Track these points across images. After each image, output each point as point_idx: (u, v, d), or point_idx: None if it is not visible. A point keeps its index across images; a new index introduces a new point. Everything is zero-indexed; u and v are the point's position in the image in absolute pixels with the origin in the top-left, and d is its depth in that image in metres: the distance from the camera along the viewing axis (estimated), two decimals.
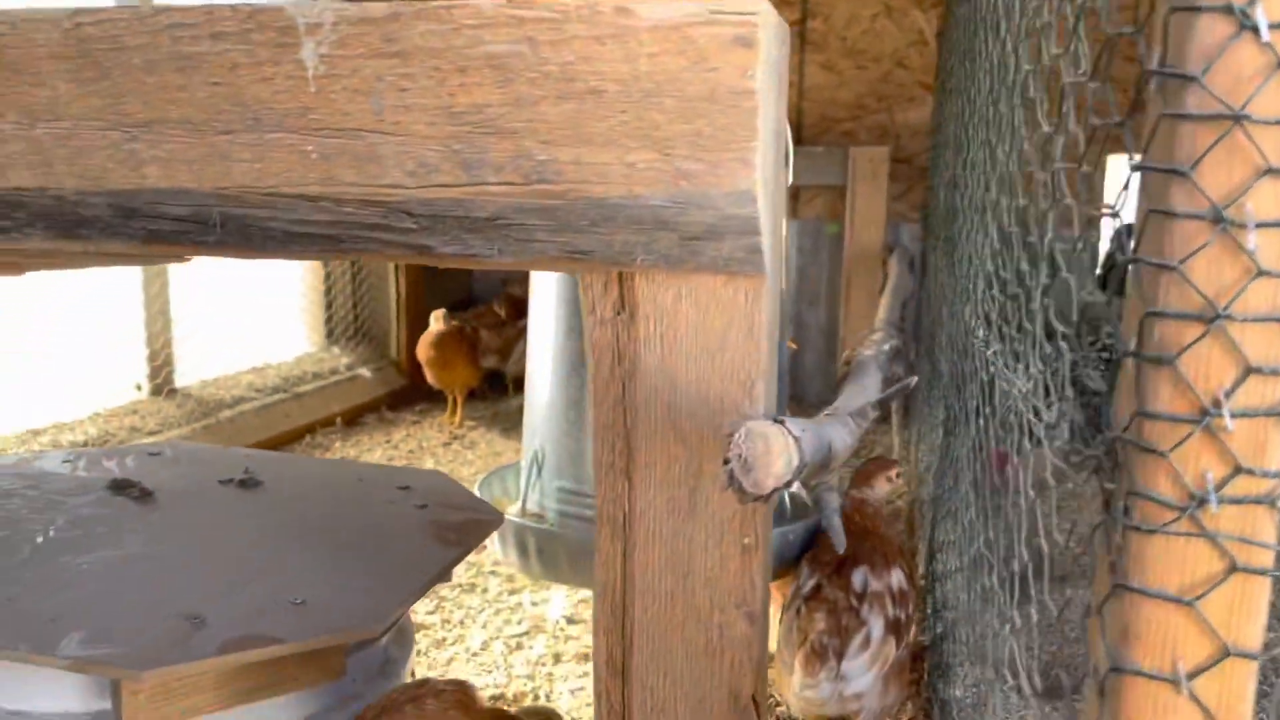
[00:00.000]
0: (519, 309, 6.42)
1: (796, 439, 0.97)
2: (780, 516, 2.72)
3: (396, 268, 6.28)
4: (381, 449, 5.16)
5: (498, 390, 6.12)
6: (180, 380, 4.82)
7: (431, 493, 1.98)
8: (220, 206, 1.11)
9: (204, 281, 4.87)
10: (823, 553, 2.51)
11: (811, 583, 2.39)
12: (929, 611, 2.70)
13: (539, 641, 3.09)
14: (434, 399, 5.91)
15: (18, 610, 1.39)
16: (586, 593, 3.38)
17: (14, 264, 1.28)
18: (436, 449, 5.16)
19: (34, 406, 3.94)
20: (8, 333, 3.69)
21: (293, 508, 1.86)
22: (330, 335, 6.14)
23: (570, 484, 2.59)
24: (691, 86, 0.96)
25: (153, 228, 1.16)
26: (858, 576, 2.29)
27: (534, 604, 3.39)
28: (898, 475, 2.42)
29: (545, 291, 2.63)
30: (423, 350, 5.26)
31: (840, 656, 2.25)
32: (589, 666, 2.97)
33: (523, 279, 7.16)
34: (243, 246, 1.16)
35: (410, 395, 6.12)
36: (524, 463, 2.80)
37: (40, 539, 1.64)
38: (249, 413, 4.80)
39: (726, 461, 0.98)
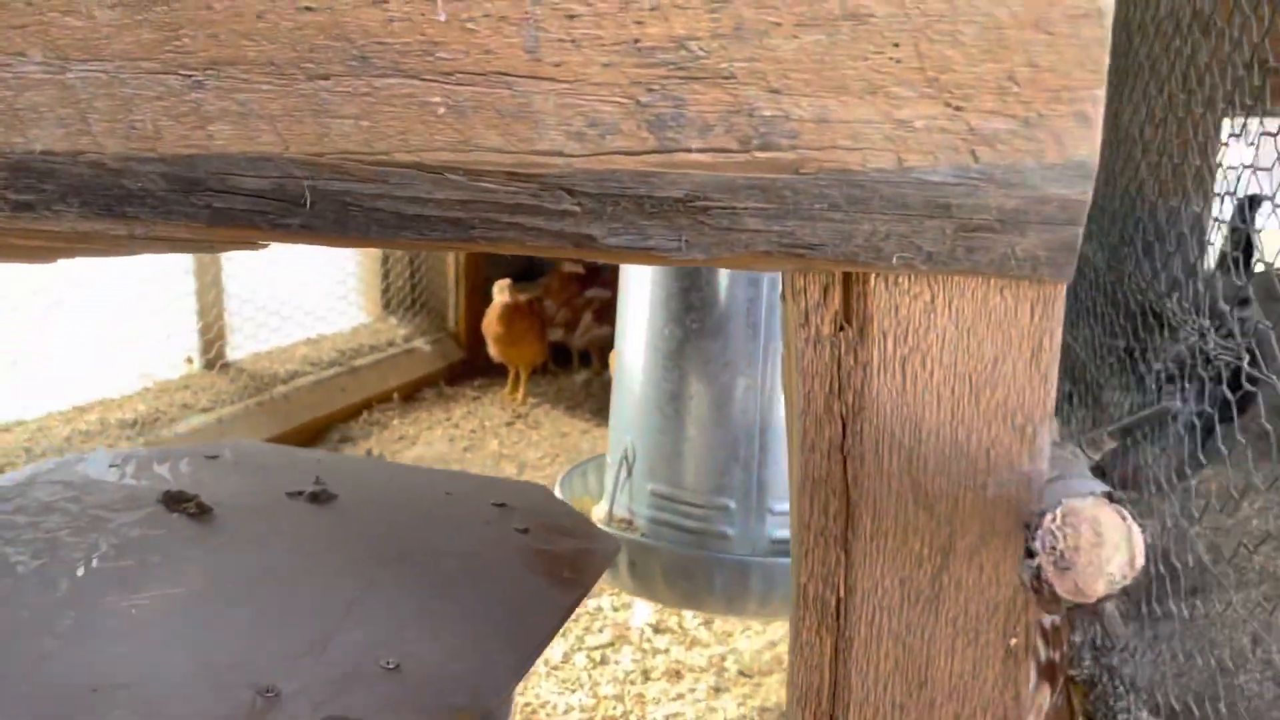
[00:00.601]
0: (584, 279, 6.14)
1: (1140, 526, 0.66)
2: None
3: None
4: (442, 427, 4.91)
5: (559, 363, 5.86)
6: (233, 354, 4.59)
7: (533, 513, 1.69)
8: (312, 179, 0.82)
9: (255, 251, 4.64)
10: None
11: None
12: (1076, 644, 2.39)
13: (624, 654, 2.83)
14: (493, 373, 5.65)
15: (50, 674, 1.13)
16: None
17: (43, 249, 1.01)
18: (499, 429, 4.90)
19: (80, 382, 3.72)
20: (52, 305, 3.46)
21: (373, 530, 1.58)
22: (386, 306, 5.90)
23: (665, 488, 2.30)
24: (1002, 6, 0.65)
25: (220, 205, 0.87)
26: None
27: (615, 609, 3.11)
28: None
29: (639, 271, 2.34)
30: (490, 325, 4.99)
31: None
32: (681, 686, 2.70)
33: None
34: (337, 232, 0.87)
35: (469, 369, 5.86)
36: (610, 459, 2.52)
37: (81, 570, 1.38)
38: (304, 388, 4.57)
39: (1031, 555, 0.68)
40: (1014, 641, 0.84)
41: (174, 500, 1.61)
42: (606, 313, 5.81)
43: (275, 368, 4.65)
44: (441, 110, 0.77)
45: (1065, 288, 0.77)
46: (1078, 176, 0.68)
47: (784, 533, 2.22)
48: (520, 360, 5.19)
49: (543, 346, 5.32)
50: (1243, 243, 2.28)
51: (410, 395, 5.28)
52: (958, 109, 0.68)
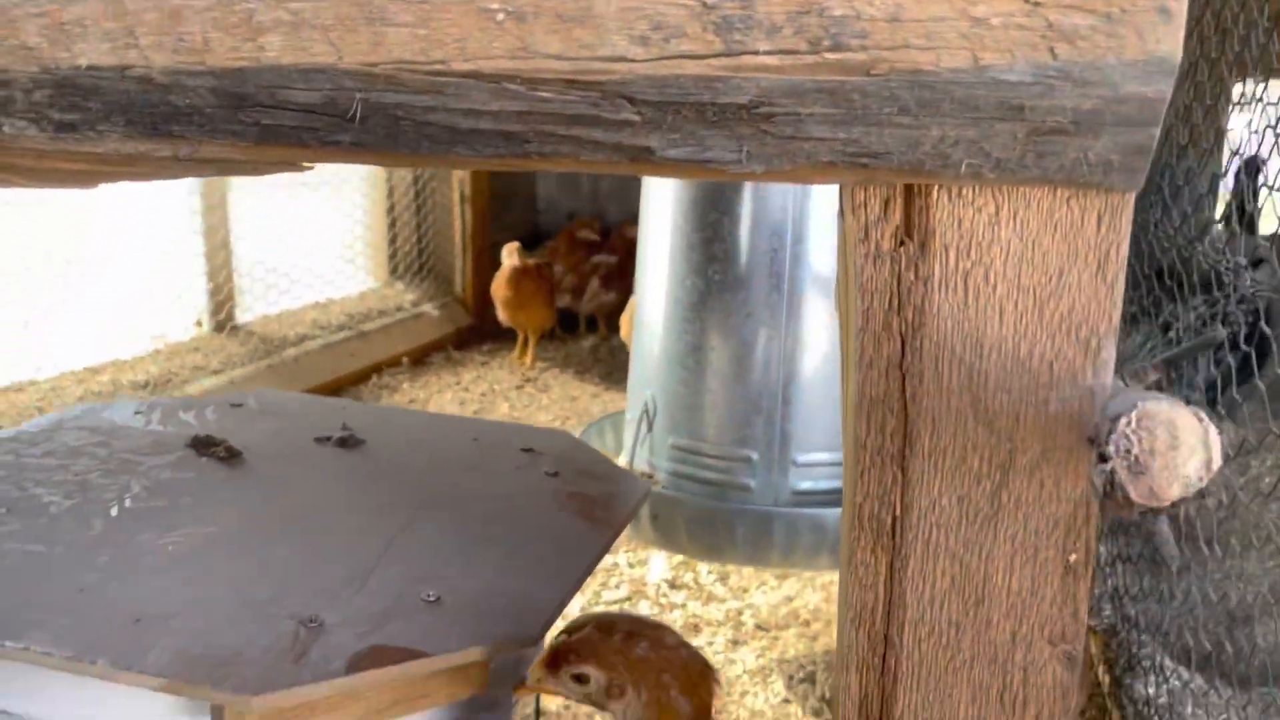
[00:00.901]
0: (591, 244, 6.11)
1: (1216, 428, 0.66)
2: None
3: (462, 199, 5.99)
4: (452, 391, 4.90)
5: (566, 329, 5.84)
6: (242, 316, 4.58)
7: (561, 458, 1.69)
8: (365, 91, 0.81)
9: (264, 212, 4.61)
10: None
11: None
12: (1096, 594, 2.39)
13: (641, 609, 2.83)
14: (501, 338, 5.64)
15: (92, 605, 1.13)
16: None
17: (84, 173, 0.99)
18: (509, 392, 4.89)
19: (91, 343, 3.71)
20: (63, 268, 3.44)
21: (405, 474, 1.58)
22: (394, 270, 5.88)
23: (686, 441, 2.30)
24: None
25: (268, 122, 0.86)
26: None
27: (631, 565, 3.12)
28: None
29: (660, 222, 2.32)
30: (499, 288, 4.97)
31: None
32: (699, 639, 2.71)
33: (590, 217, 6.86)
34: (387, 148, 0.86)
35: (477, 334, 5.85)
36: (629, 415, 2.52)
37: (115, 510, 1.37)
38: (314, 351, 4.56)
39: (1104, 459, 0.67)
40: (1074, 557, 0.83)
41: (203, 444, 1.60)
42: (613, 279, 5.80)
43: (284, 331, 4.64)
44: (500, 16, 0.76)
45: (1133, 197, 0.76)
46: (1158, 73, 0.67)
47: (807, 484, 2.22)
48: (529, 324, 5.18)
49: (551, 311, 5.30)
50: (1242, 204, 2.26)
51: (419, 360, 5.27)
52: (1036, 4, 0.66)
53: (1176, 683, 1.95)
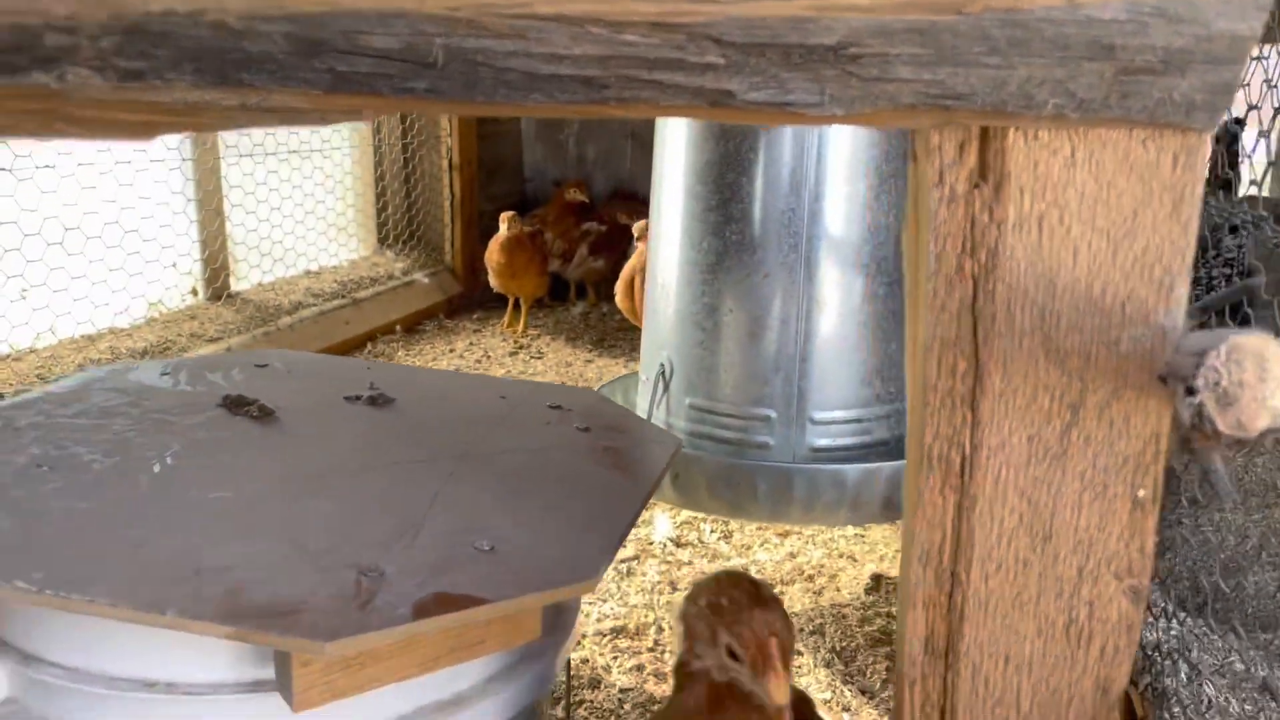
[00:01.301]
0: (580, 210, 6.10)
1: None
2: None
3: (451, 167, 5.95)
4: (446, 359, 4.90)
5: (556, 296, 5.85)
6: (236, 285, 4.56)
7: (590, 414, 1.70)
8: (445, 36, 0.81)
9: (256, 181, 4.58)
10: None
11: None
12: None
13: (650, 567, 2.86)
14: (491, 306, 5.64)
15: (150, 559, 1.13)
16: (688, 514, 3.15)
17: (144, 124, 0.99)
18: (504, 358, 4.89)
19: (88, 312, 3.68)
20: (59, 235, 3.41)
21: (439, 430, 1.58)
22: (382, 239, 5.85)
23: (703, 401, 2.31)
24: None
25: (342, 69, 0.86)
26: None
27: (636, 525, 3.14)
28: None
29: (674, 185, 2.32)
30: (493, 255, 4.96)
31: None
32: None
33: (578, 179, 6.84)
34: (463, 95, 0.86)
35: (467, 302, 5.84)
36: (642, 376, 2.53)
37: (157, 467, 1.37)
38: (308, 319, 4.55)
39: (1192, 391, 0.69)
40: (1142, 493, 0.85)
41: (235, 404, 1.60)
42: (601, 246, 5.80)
43: (279, 299, 4.62)
44: None
45: (1210, 137, 0.77)
46: (1252, 8, 0.68)
47: (824, 441, 2.24)
48: (521, 291, 5.17)
49: (544, 279, 5.30)
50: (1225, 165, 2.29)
51: (411, 327, 5.26)
52: None
53: (1180, 628, 1.99)
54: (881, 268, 2.20)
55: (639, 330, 5.33)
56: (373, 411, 1.65)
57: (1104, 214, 0.81)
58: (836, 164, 2.14)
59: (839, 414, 2.24)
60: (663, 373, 2.37)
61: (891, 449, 2.30)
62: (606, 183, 6.95)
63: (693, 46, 0.78)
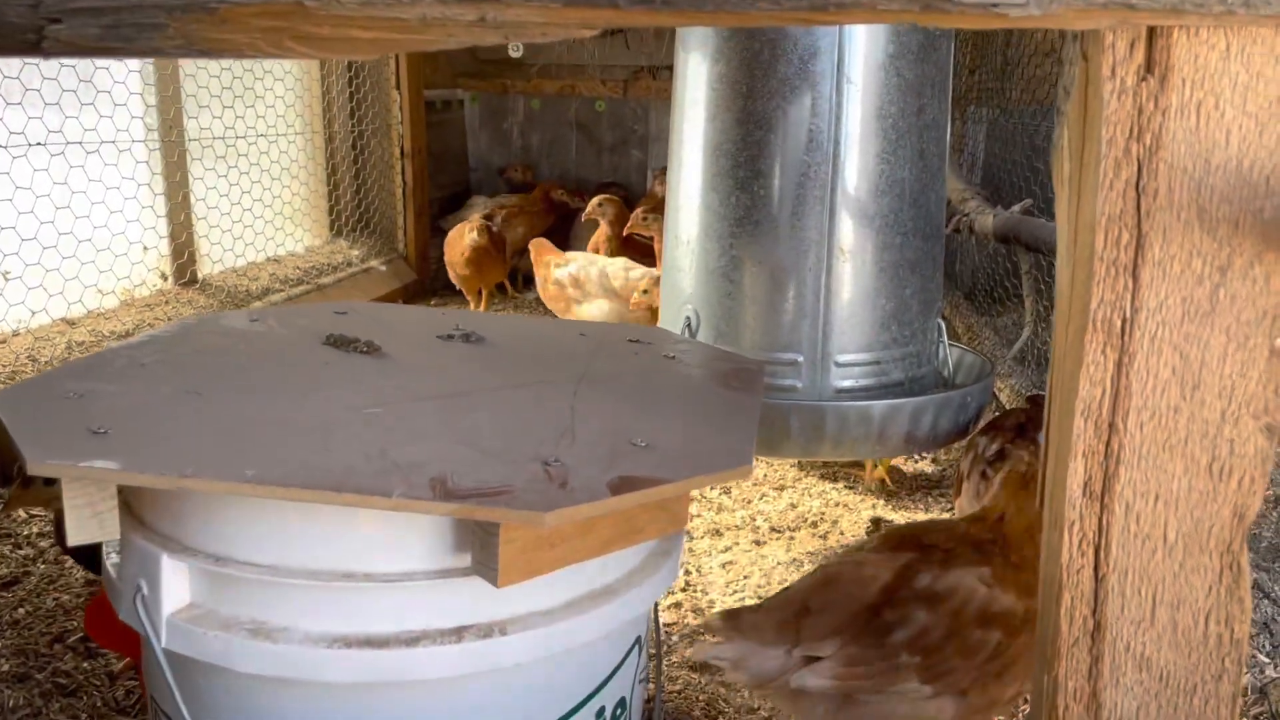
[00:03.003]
0: (562, 207, 6.18)
1: None
2: (947, 383, 2.62)
3: (403, 154, 5.97)
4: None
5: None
6: (203, 270, 4.53)
7: (670, 345, 1.81)
8: None
9: (217, 174, 4.55)
10: (1002, 418, 2.42)
11: (994, 448, 2.29)
12: None
13: None
14: (446, 293, 5.68)
15: (345, 457, 1.21)
16: None
17: (374, 41, 1.06)
18: None
19: (65, 296, 3.64)
20: (35, 225, 3.36)
21: (542, 361, 1.68)
22: (334, 228, 5.84)
23: (731, 349, 2.44)
24: None
25: None
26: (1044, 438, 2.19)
27: None
28: None
29: (695, 145, 2.45)
30: (457, 264, 4.96)
31: None
32: (725, 541, 2.87)
33: (523, 165, 6.90)
34: (690, 6, 0.97)
35: (422, 289, 5.88)
36: (664, 326, 2.65)
37: (303, 387, 1.44)
38: (278, 304, 4.54)
39: None
40: (1278, 342, 1.01)
41: (341, 341, 1.67)
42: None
43: (247, 284, 4.61)
44: None
45: None
46: None
47: (848, 382, 2.38)
48: (484, 283, 5.21)
49: (505, 267, 5.37)
50: None
51: None
52: None
53: None
54: (898, 219, 2.36)
55: None
56: (470, 347, 1.73)
57: (1253, 100, 0.96)
58: (856, 122, 2.29)
59: (860, 356, 2.39)
60: (689, 325, 2.48)
61: (906, 388, 2.46)
62: (551, 171, 7.04)
63: None
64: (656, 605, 1.73)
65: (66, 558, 2.24)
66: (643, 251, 4.78)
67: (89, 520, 1.22)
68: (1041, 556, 1.14)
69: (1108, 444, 1.07)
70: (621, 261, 4.35)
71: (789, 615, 1.55)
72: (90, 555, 1.82)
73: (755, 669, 1.51)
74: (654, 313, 4.08)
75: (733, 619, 1.55)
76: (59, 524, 1.79)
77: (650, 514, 1.29)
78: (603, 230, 4.99)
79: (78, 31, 1.05)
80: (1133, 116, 0.99)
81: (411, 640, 1.21)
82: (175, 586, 1.25)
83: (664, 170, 6.13)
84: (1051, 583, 1.11)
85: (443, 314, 1.97)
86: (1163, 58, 0.97)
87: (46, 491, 1.72)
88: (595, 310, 4.24)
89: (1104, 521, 1.08)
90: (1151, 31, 0.97)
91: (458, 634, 1.23)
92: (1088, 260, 1.03)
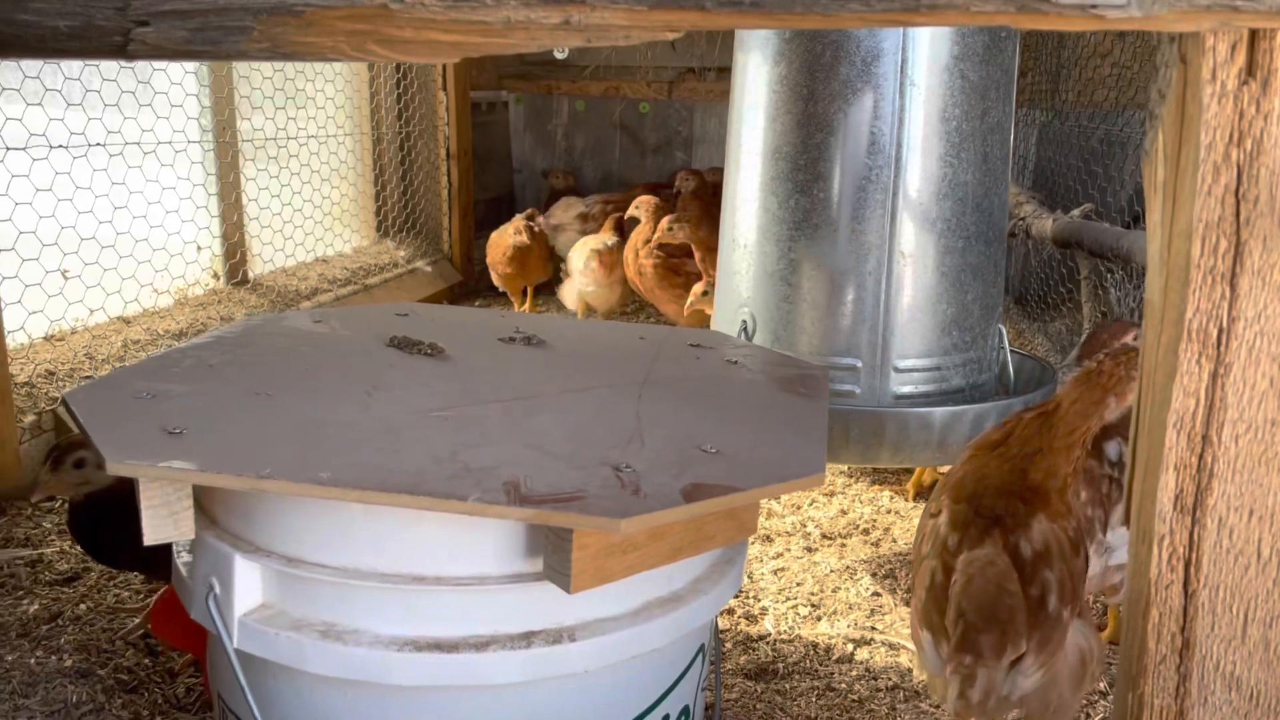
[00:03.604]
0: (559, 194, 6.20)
1: None
2: (1006, 390, 2.59)
3: (449, 156, 6.00)
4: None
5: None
6: (254, 270, 4.57)
7: (731, 350, 1.80)
8: None
9: (269, 175, 4.59)
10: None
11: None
12: None
13: None
14: (490, 294, 5.69)
15: (418, 460, 1.20)
16: None
17: (455, 45, 1.06)
18: None
19: (121, 295, 3.68)
20: (94, 225, 3.40)
21: (604, 365, 1.67)
22: (380, 229, 5.88)
23: (788, 353, 2.42)
24: None
25: None
26: (1111, 447, 2.14)
27: None
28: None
29: (754, 149, 2.43)
30: (499, 264, 4.97)
31: (1105, 526, 2.12)
32: (777, 547, 2.85)
33: (565, 170, 6.91)
34: (779, 8, 0.95)
35: (466, 290, 5.90)
36: (719, 329, 2.63)
37: (369, 392, 1.44)
38: (326, 305, 4.57)
39: None
40: None
41: (405, 343, 1.67)
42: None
43: (296, 284, 4.64)
44: None
45: None
46: None
47: (907, 388, 2.36)
48: (528, 281, 5.20)
49: (549, 265, 5.35)
50: None
51: None
52: None
53: None
54: (960, 223, 2.33)
55: (643, 307, 5.44)
56: (531, 350, 1.73)
57: None
58: (919, 125, 2.26)
59: (920, 362, 2.36)
60: (745, 329, 2.47)
61: (967, 394, 2.43)
62: (595, 173, 7.05)
63: None
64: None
65: None
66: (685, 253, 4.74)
67: (165, 520, 1.22)
68: (1128, 570, 1.12)
69: (1201, 457, 1.04)
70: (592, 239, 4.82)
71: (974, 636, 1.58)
72: (98, 544, 1.84)
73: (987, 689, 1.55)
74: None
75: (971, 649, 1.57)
76: (73, 513, 1.81)
77: (720, 522, 1.28)
78: (641, 230, 4.91)
79: (165, 35, 1.06)
80: (1233, 121, 0.96)
81: (480, 644, 1.21)
82: (248, 587, 1.25)
83: (692, 170, 6.13)
84: (1138, 598, 1.08)
85: (502, 316, 1.97)
86: (1265, 61, 0.94)
87: (75, 475, 1.73)
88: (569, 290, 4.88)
89: (1195, 536, 1.05)
90: (1254, 34, 0.94)
91: (526, 639, 1.22)
92: (1183, 268, 1.01)
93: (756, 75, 2.40)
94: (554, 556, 1.16)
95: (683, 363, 1.71)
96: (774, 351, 1.84)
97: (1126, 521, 1.14)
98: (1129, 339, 2.21)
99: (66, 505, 1.93)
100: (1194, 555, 1.06)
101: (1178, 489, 1.05)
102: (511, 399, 1.46)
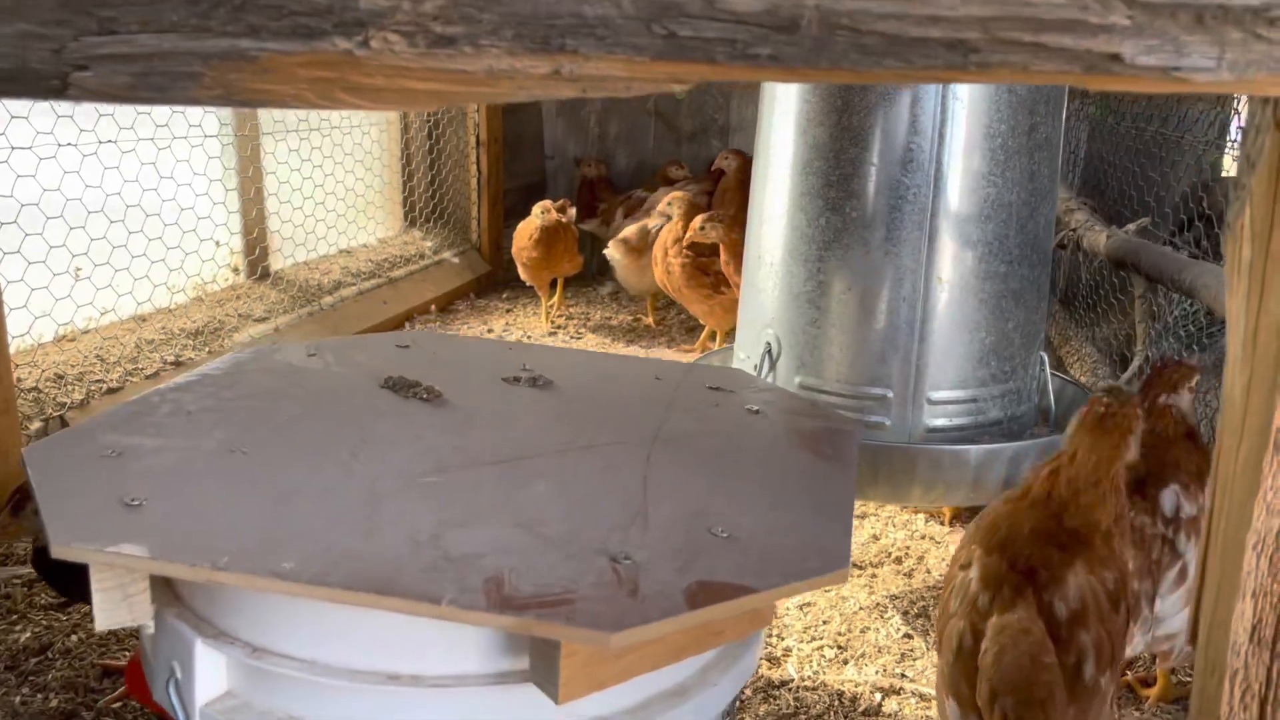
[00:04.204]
0: (593, 188, 6.07)
1: None
2: (1046, 419, 2.43)
3: (478, 144, 5.88)
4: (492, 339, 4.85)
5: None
6: (276, 264, 4.48)
7: (751, 393, 1.66)
8: None
9: (290, 168, 4.49)
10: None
11: None
12: None
13: None
14: (518, 286, 5.53)
15: (393, 545, 1.09)
16: None
17: (433, 93, 0.93)
18: (543, 340, 4.84)
19: (137, 292, 3.60)
20: (104, 223, 3.31)
21: (612, 413, 1.54)
22: (407, 219, 5.78)
23: (813, 380, 2.28)
24: None
25: (684, 33, 0.81)
26: (1168, 498, 1.98)
27: None
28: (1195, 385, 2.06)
29: (783, 159, 2.28)
30: (525, 249, 4.77)
31: (1152, 600, 1.97)
32: None
33: (596, 159, 6.75)
34: (804, 64, 0.82)
35: (495, 281, 5.78)
36: (740, 354, 2.49)
37: (353, 450, 1.33)
38: (349, 299, 4.48)
39: None
40: None
41: (401, 385, 1.56)
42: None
43: (318, 278, 4.55)
44: None
45: None
46: None
47: (941, 421, 2.21)
48: (555, 272, 5.02)
49: (579, 257, 5.17)
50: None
51: (445, 307, 5.20)
52: None
53: None
54: (1003, 245, 2.17)
55: (673, 308, 5.30)
56: (537, 393, 1.60)
57: None
58: (960, 140, 2.11)
59: (956, 394, 2.21)
60: (769, 352, 2.33)
61: (1005, 429, 2.28)
62: (629, 160, 6.89)
63: (1097, 6, 0.74)
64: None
65: None
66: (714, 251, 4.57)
67: (118, 604, 1.12)
68: (1191, 707, 0.98)
69: None
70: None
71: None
72: (63, 578, 1.74)
73: None
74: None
75: None
76: (38, 553, 1.72)
77: (731, 618, 1.15)
78: (672, 229, 4.72)
79: (105, 80, 0.94)
80: None
81: None
82: (210, 675, 1.15)
83: (735, 150, 5.94)
84: None
85: (509, 349, 1.85)
86: None
87: (37, 520, 1.64)
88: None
89: (1274, 673, 0.91)
90: None
91: None
92: (1271, 368, 0.86)
93: (787, 83, 2.25)
94: (540, 663, 1.04)
95: (699, 412, 1.57)
96: (799, 398, 1.70)
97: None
98: (1193, 382, 2.05)
99: (32, 545, 1.86)
100: (1272, 694, 0.92)
101: (1255, 618, 0.91)
102: (508, 460, 1.33)
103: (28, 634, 2.12)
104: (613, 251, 4.84)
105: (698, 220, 4.18)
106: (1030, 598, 1.58)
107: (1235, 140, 3.91)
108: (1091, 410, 1.67)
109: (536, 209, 4.83)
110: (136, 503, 1.14)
